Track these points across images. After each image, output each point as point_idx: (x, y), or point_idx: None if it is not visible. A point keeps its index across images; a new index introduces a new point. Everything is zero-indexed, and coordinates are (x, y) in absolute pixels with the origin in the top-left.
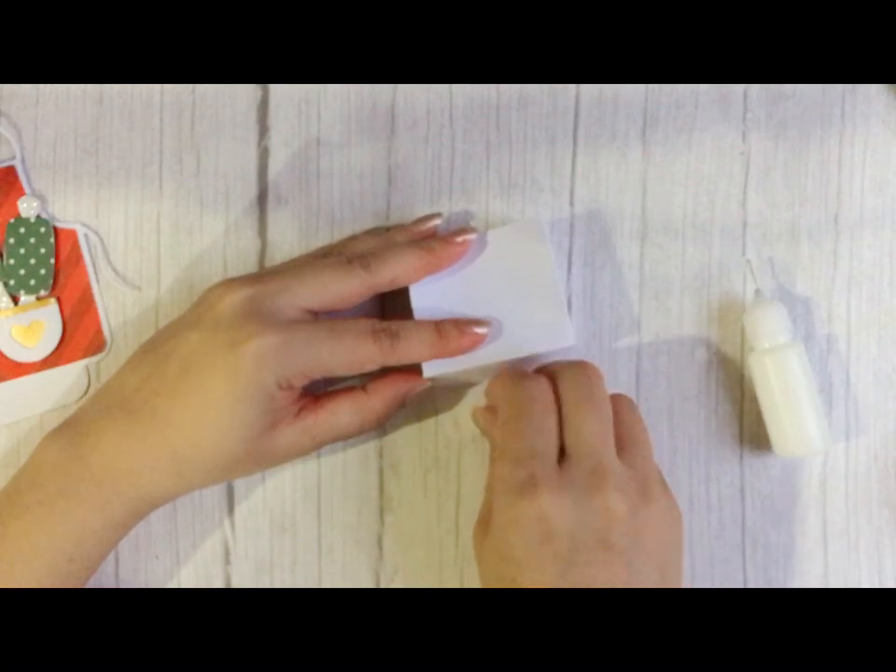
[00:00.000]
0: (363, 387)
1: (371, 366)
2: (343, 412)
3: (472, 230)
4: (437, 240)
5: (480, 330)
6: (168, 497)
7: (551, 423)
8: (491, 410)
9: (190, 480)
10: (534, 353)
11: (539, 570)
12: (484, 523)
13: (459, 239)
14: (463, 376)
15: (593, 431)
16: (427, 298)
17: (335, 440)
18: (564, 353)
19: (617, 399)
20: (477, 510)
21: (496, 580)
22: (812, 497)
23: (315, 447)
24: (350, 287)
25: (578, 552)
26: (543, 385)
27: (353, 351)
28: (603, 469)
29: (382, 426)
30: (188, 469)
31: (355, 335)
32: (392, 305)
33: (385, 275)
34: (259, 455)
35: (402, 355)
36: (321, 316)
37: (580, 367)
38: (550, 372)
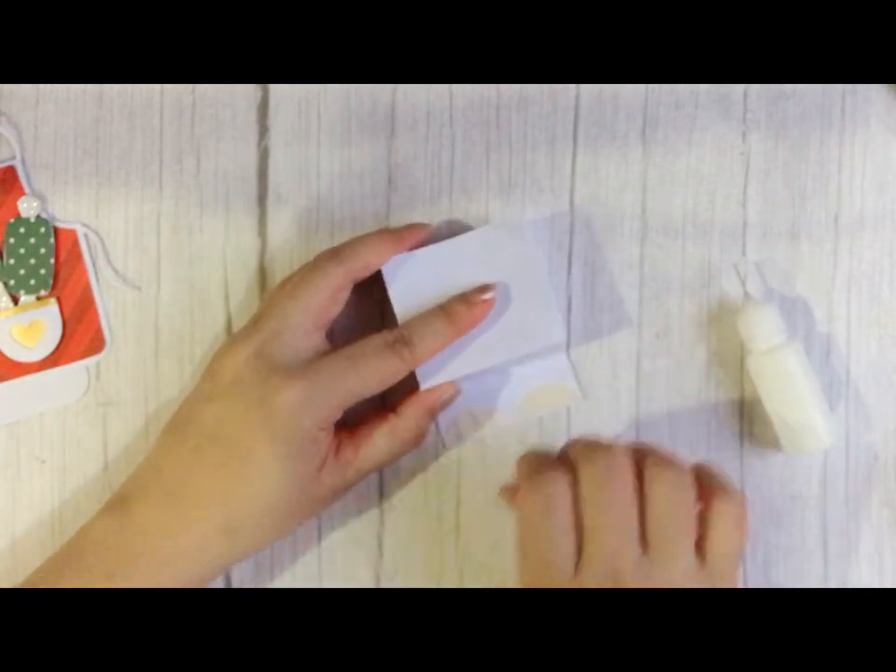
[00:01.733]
0: (393, 410)
1: (399, 377)
2: (379, 439)
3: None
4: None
5: (487, 296)
6: (219, 571)
7: (568, 526)
8: (514, 490)
9: (244, 547)
10: (527, 352)
11: None
12: None
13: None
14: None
15: (609, 532)
16: (412, 308)
17: (378, 467)
18: (557, 346)
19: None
20: (477, 510)
21: None
22: (812, 497)
23: (359, 479)
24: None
25: None
26: (562, 487)
27: (378, 372)
28: (619, 574)
29: (420, 443)
30: (239, 537)
31: (374, 356)
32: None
33: (422, 355)
34: (309, 504)
35: (423, 355)
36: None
37: (599, 459)
38: (573, 458)
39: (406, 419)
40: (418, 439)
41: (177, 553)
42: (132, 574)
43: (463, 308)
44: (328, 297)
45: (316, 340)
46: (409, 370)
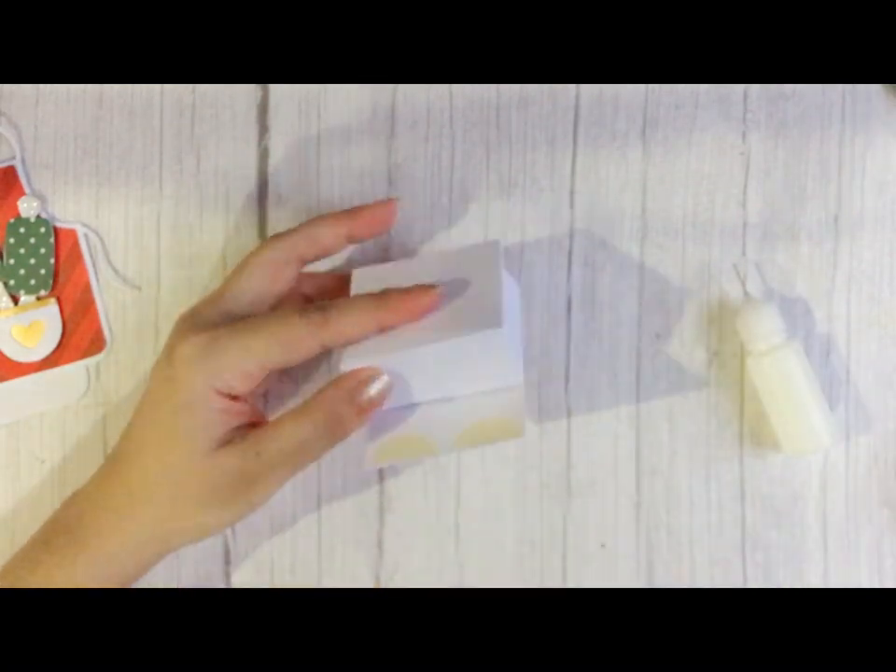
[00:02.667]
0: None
1: (307, 347)
2: (286, 423)
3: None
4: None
5: (430, 292)
6: (134, 557)
7: None
8: None
9: (150, 523)
10: (462, 337)
11: None
12: None
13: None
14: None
15: None
16: None
17: (286, 455)
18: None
19: None
20: (477, 510)
21: None
22: (812, 497)
23: (265, 470)
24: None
25: None
26: None
27: (281, 333)
28: None
29: (342, 435)
30: (142, 507)
31: (281, 317)
32: None
33: (337, 329)
34: (205, 481)
35: (338, 329)
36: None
37: None
38: None
39: (317, 402)
40: (334, 427)
41: (95, 524)
42: (54, 549)
43: (396, 295)
44: (271, 270)
45: (249, 312)
46: (320, 343)
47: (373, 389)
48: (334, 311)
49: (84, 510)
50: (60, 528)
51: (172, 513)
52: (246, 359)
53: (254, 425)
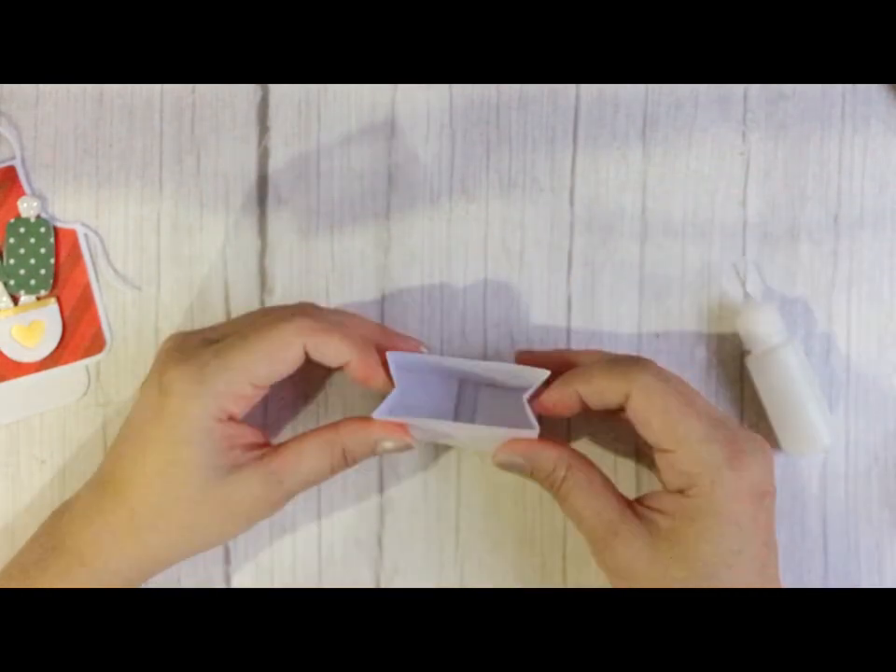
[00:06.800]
0: (333, 424)
1: (296, 351)
2: (309, 451)
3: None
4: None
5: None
6: (136, 572)
7: None
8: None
9: (155, 546)
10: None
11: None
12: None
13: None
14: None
15: None
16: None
17: (306, 484)
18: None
19: None
20: (477, 510)
21: (700, 571)
22: (812, 497)
23: (285, 496)
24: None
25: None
26: None
27: (267, 339)
28: None
29: (351, 466)
30: (148, 533)
31: (266, 323)
32: None
33: (324, 329)
34: (221, 507)
35: (325, 330)
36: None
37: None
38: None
39: (343, 436)
40: (350, 462)
41: (91, 544)
42: (48, 564)
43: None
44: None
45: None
46: (312, 348)
47: (392, 444)
48: (319, 312)
49: (80, 529)
50: (56, 547)
51: (182, 539)
52: (238, 381)
53: (258, 444)
